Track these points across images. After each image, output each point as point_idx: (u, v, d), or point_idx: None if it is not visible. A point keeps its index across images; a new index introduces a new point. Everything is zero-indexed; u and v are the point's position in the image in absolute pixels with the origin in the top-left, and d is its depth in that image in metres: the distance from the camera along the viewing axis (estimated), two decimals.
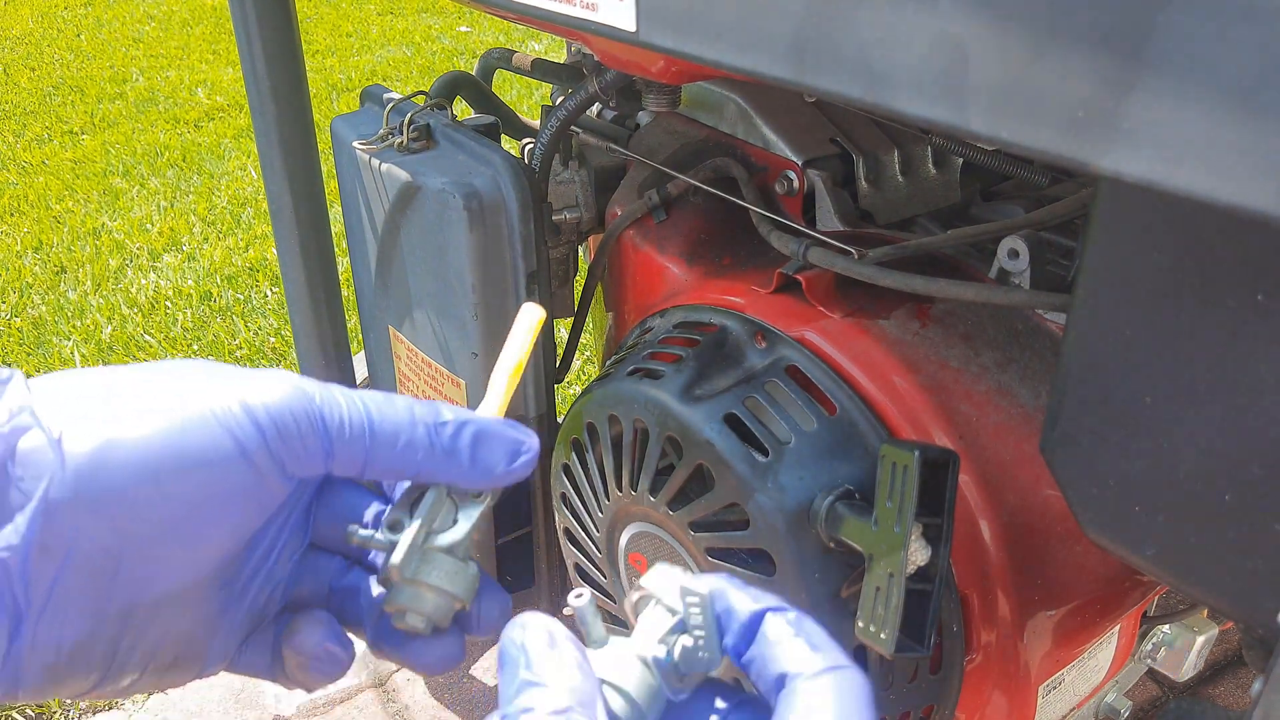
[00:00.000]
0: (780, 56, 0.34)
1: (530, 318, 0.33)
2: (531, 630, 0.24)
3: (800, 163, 0.67)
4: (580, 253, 0.92)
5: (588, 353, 1.60)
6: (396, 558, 0.28)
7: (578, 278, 0.84)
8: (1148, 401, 0.37)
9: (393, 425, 0.28)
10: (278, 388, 0.27)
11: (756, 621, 0.25)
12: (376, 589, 0.31)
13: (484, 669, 1.07)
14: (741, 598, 0.25)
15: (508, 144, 0.79)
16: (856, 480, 0.51)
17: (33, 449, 0.23)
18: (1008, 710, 0.55)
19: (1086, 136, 0.27)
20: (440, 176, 0.68)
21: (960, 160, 0.71)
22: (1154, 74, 0.25)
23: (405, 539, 0.28)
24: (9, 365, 1.66)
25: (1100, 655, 0.59)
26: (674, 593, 0.26)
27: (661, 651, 0.25)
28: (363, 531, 0.30)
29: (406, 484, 0.30)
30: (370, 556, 0.32)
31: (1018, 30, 0.28)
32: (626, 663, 0.25)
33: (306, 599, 0.31)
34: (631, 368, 0.60)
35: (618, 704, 0.25)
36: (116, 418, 0.25)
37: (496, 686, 1.19)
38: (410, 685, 1.05)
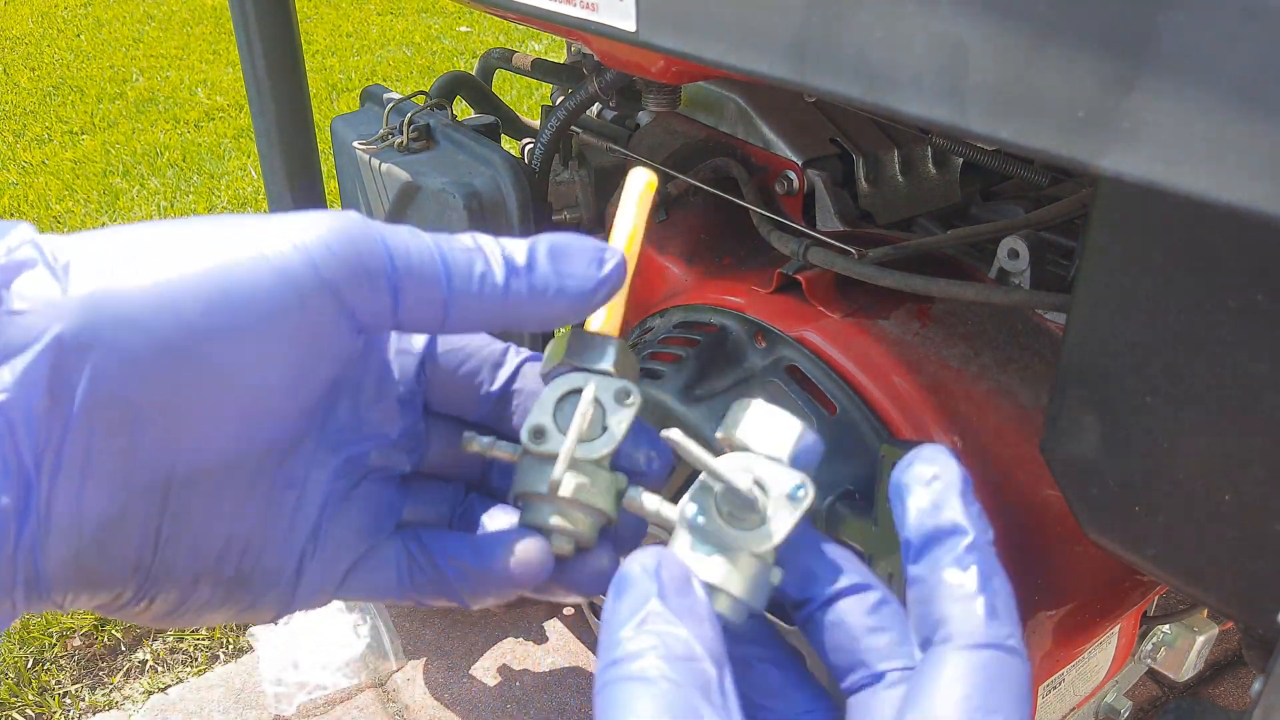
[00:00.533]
0: (780, 56, 0.34)
1: (639, 182, 0.27)
2: (668, 565, 0.22)
3: (800, 163, 0.67)
4: None
5: None
6: (555, 475, 0.24)
7: None
8: (1148, 402, 0.37)
9: (463, 256, 0.23)
10: (331, 220, 0.22)
11: (940, 537, 0.22)
12: (501, 519, 0.27)
13: (484, 669, 1.07)
14: (954, 503, 0.21)
15: (508, 144, 0.79)
16: (856, 480, 0.51)
17: (35, 280, 0.19)
18: None
19: (1087, 136, 0.27)
20: (440, 176, 0.68)
21: (960, 160, 0.71)
22: (1154, 74, 0.25)
23: (563, 452, 0.24)
24: None
25: (1100, 655, 0.59)
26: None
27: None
28: (484, 439, 0.26)
29: (530, 390, 0.26)
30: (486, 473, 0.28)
31: (1018, 30, 0.28)
32: (738, 559, 0.23)
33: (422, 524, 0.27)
34: None
35: (724, 605, 0.23)
36: (138, 246, 0.21)
37: (496, 688, 1.18)
38: (410, 685, 1.05)
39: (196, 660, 1.10)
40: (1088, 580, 0.55)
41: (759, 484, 0.23)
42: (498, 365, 0.27)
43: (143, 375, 0.20)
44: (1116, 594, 0.56)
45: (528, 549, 0.25)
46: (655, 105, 0.68)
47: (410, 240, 0.23)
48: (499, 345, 0.27)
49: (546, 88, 2.53)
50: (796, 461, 0.24)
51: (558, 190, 0.77)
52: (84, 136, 2.65)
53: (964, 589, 0.21)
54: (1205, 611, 0.64)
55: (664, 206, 0.72)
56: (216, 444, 0.21)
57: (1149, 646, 0.64)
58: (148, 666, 1.10)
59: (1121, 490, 0.39)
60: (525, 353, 0.28)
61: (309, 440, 0.24)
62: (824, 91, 0.33)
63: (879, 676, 0.22)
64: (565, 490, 0.25)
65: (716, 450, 0.25)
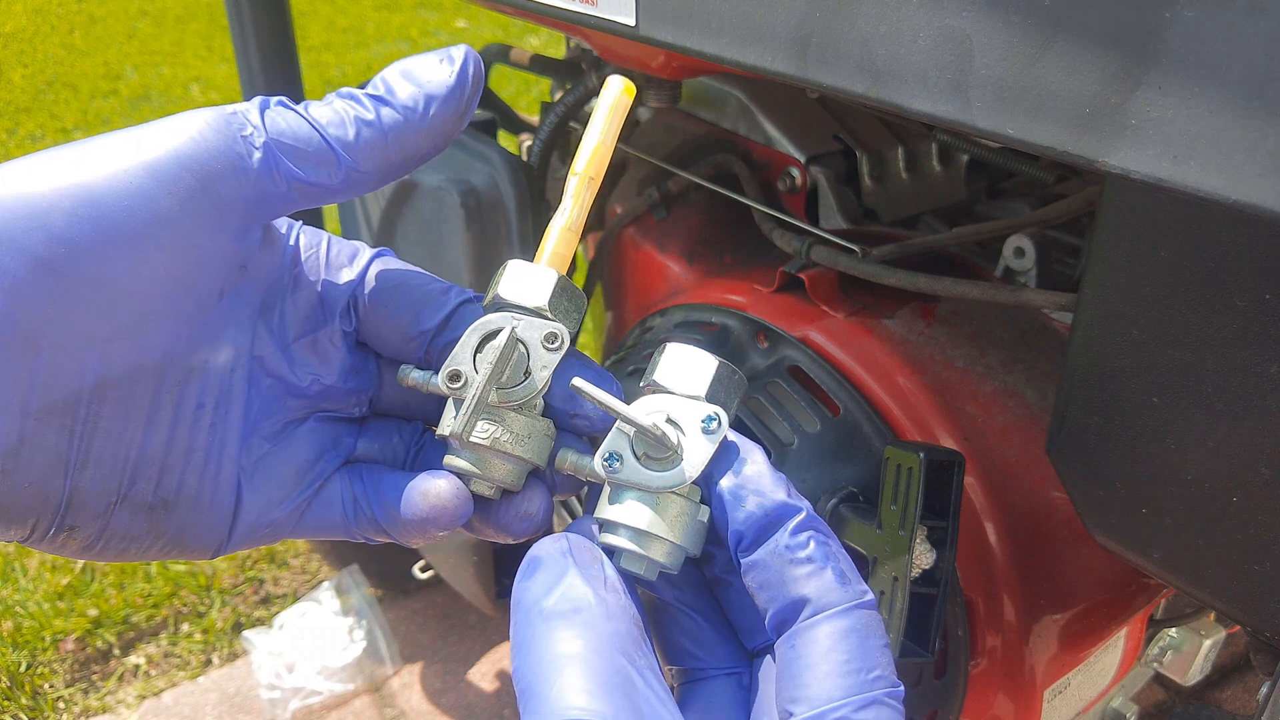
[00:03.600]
0: (783, 51, 0.34)
1: (614, 89, 0.27)
2: (576, 544, 0.22)
3: (803, 159, 0.66)
4: (579, 251, 0.91)
5: (587, 352, 1.59)
6: (457, 425, 0.24)
7: (577, 276, 0.83)
8: (1155, 402, 0.37)
9: (329, 110, 0.24)
10: (204, 115, 0.22)
11: (779, 518, 0.23)
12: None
13: (480, 674, 1.06)
14: (767, 478, 0.23)
15: (505, 140, 0.78)
16: (860, 482, 0.50)
17: None
18: (1013, 715, 0.54)
19: (1093, 133, 0.27)
20: (437, 173, 0.67)
21: (965, 157, 0.71)
22: (1161, 71, 0.25)
23: (468, 399, 0.24)
24: None
25: (1106, 659, 0.59)
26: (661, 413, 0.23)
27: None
28: (417, 373, 0.26)
29: (465, 328, 0.26)
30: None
31: (1024, 25, 0.27)
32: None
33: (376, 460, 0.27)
34: (631, 368, 0.60)
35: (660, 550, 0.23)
36: (13, 169, 0.20)
37: (493, 693, 1.18)
38: (406, 691, 1.05)
39: (190, 664, 1.09)
40: (1094, 583, 0.54)
41: (672, 422, 0.23)
42: (434, 304, 0.27)
43: (21, 294, 0.19)
44: (1123, 597, 0.56)
45: (440, 492, 0.25)
46: (655, 101, 0.67)
47: (279, 114, 0.23)
48: (438, 285, 0.27)
49: (545, 83, 2.52)
50: (714, 397, 0.24)
51: (556, 187, 0.76)
52: (77, 134, 2.63)
53: (813, 563, 0.22)
54: (1212, 615, 0.63)
55: (665, 204, 0.71)
56: (108, 358, 0.21)
57: (1155, 650, 0.64)
58: (141, 670, 1.09)
59: (1128, 492, 0.39)
60: (467, 293, 0.27)
61: (217, 361, 0.24)
62: (827, 87, 0.33)
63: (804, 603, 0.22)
64: (478, 436, 0.24)
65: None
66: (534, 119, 0.89)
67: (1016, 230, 0.55)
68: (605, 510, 0.24)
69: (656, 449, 0.23)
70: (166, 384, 0.23)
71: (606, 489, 0.24)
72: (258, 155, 0.22)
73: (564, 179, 0.77)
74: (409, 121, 0.24)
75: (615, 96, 0.27)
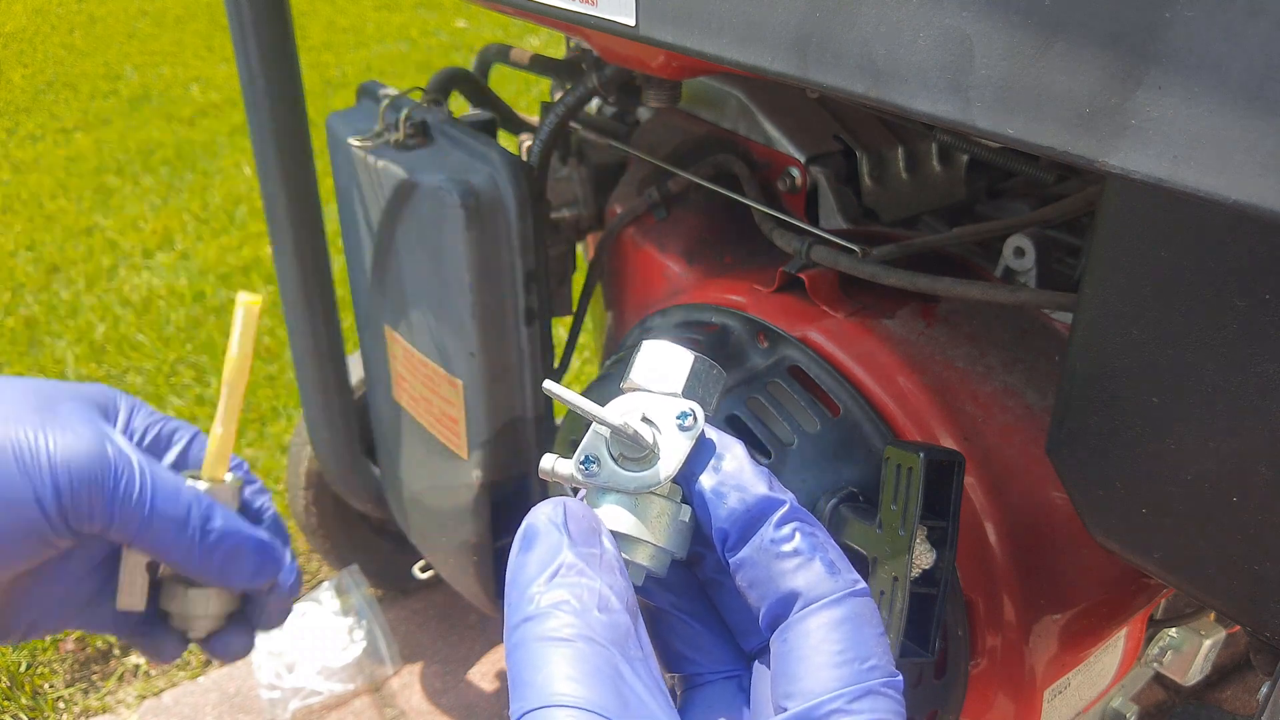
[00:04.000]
0: (783, 51, 0.34)
1: (245, 312, 0.37)
2: (574, 514, 0.22)
3: (803, 159, 0.66)
4: (579, 251, 0.91)
5: (587, 352, 1.59)
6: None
7: (577, 276, 0.83)
8: (1155, 402, 0.37)
9: (168, 518, 0.33)
10: (86, 446, 0.31)
11: (762, 513, 0.22)
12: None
13: (480, 674, 1.06)
14: (748, 473, 0.22)
15: (505, 140, 0.78)
16: (860, 482, 0.50)
17: None
18: (1013, 715, 0.54)
19: (1094, 133, 0.27)
20: (437, 173, 0.67)
21: (965, 157, 0.71)
22: (1162, 70, 0.25)
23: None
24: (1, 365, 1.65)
25: (1106, 659, 0.59)
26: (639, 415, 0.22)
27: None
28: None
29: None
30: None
31: (1024, 25, 0.27)
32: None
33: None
34: None
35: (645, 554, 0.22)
36: None
37: (494, 693, 1.17)
38: (406, 691, 1.05)
39: (190, 664, 1.09)
40: (1094, 583, 0.54)
41: (647, 420, 0.23)
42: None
43: None
44: (1123, 597, 0.56)
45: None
46: (655, 101, 0.67)
47: (136, 483, 0.32)
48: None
49: (545, 83, 2.52)
50: (691, 393, 0.23)
51: (556, 187, 0.76)
52: (77, 133, 2.63)
53: (800, 555, 0.21)
54: (1212, 615, 0.63)
55: (665, 205, 0.71)
56: None
57: (1155, 650, 0.64)
58: (141, 671, 1.09)
59: (1128, 492, 0.39)
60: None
61: (30, 577, 0.34)
62: (827, 87, 0.33)
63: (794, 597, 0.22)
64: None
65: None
66: (534, 119, 0.89)
67: (1016, 230, 0.55)
68: None
69: (632, 449, 0.22)
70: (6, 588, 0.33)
71: (585, 493, 0.24)
72: (108, 510, 0.33)
73: (564, 179, 0.77)
74: (200, 565, 0.35)
75: (246, 316, 0.37)
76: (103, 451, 0.31)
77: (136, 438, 0.35)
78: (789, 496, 0.23)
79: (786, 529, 0.22)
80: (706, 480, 0.23)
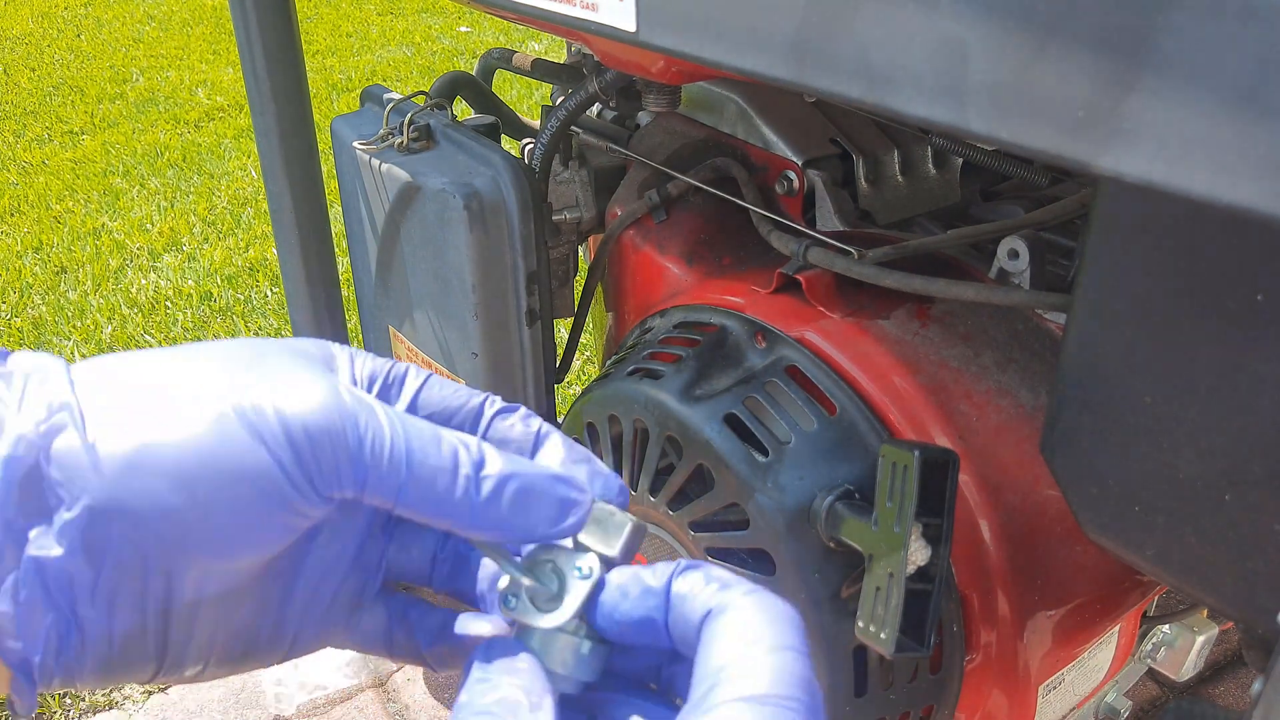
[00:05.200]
0: (780, 57, 0.34)
1: None
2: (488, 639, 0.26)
3: (800, 163, 0.67)
4: (580, 253, 0.92)
5: (588, 353, 1.60)
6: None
7: (578, 278, 0.84)
8: (1148, 402, 0.37)
9: (431, 469, 0.26)
10: (318, 398, 0.25)
11: (666, 592, 0.25)
12: (487, 568, 0.31)
13: None
14: (647, 582, 0.25)
15: (508, 144, 0.79)
16: (856, 480, 0.51)
17: (68, 451, 0.24)
18: (1007, 710, 0.55)
19: (1086, 136, 0.27)
20: (440, 177, 0.68)
21: (960, 160, 0.71)
22: (1154, 74, 0.25)
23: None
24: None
25: (1100, 655, 0.59)
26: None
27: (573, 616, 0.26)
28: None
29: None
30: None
31: (1018, 30, 0.27)
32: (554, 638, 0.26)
33: (409, 573, 0.31)
34: (631, 368, 0.60)
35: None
36: (152, 421, 0.25)
37: None
38: (410, 685, 1.05)
39: None
40: (1088, 580, 0.55)
41: (555, 570, 0.27)
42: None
43: (155, 536, 0.24)
44: (1116, 594, 0.56)
45: (483, 632, 0.29)
46: (655, 105, 0.68)
47: (385, 434, 0.26)
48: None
49: (546, 88, 2.53)
50: (626, 550, 0.27)
51: (558, 190, 0.77)
52: (84, 136, 2.65)
53: (696, 588, 0.24)
54: (1205, 611, 0.64)
55: (664, 207, 0.72)
56: (208, 586, 0.26)
57: (1149, 646, 0.64)
58: None
59: (1121, 490, 0.39)
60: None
61: (299, 572, 0.29)
62: (824, 91, 0.33)
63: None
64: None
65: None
66: (536, 123, 0.90)
67: (1011, 232, 0.56)
68: None
69: (543, 597, 0.26)
70: (252, 589, 0.27)
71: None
72: (349, 477, 0.26)
73: (565, 182, 0.77)
74: (480, 521, 0.26)
75: None
76: (338, 401, 0.25)
77: (364, 386, 0.29)
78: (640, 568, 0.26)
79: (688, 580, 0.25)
80: (610, 615, 0.26)
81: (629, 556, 0.27)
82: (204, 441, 0.24)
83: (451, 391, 0.29)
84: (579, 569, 0.26)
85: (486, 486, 0.26)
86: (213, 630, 0.27)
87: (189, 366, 0.26)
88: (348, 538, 0.29)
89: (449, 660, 0.30)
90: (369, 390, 0.28)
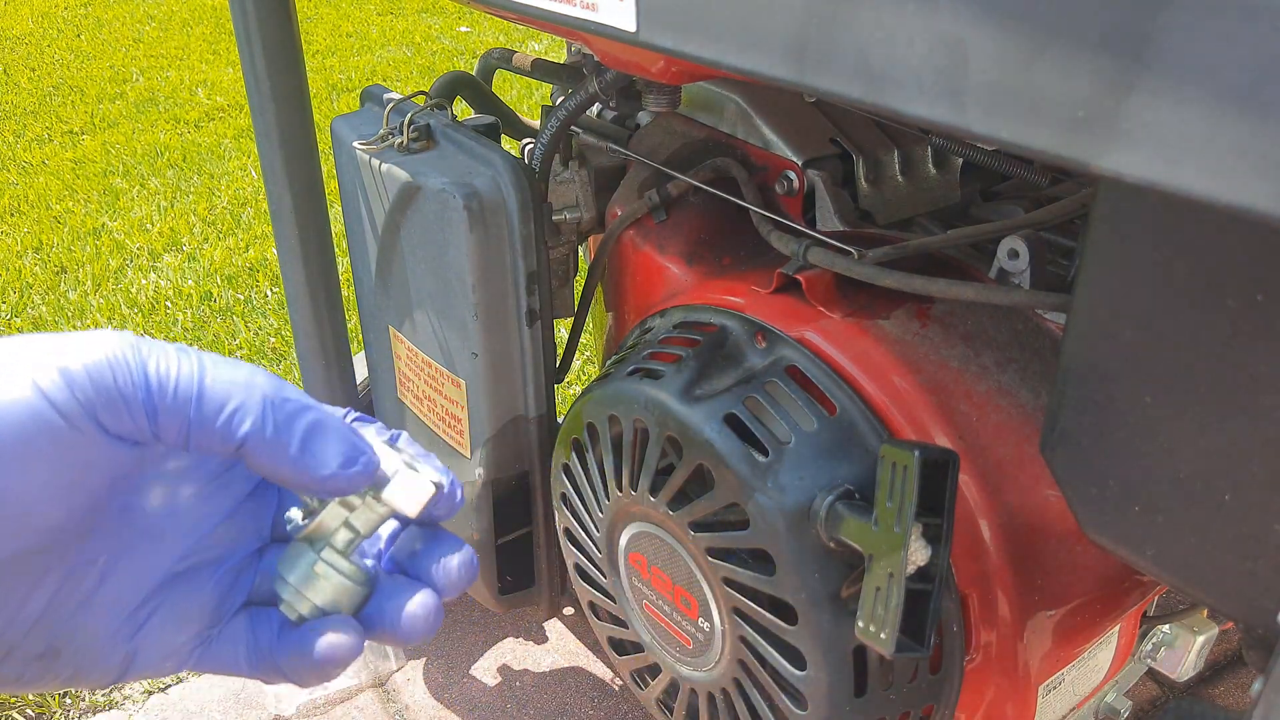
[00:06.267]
0: (780, 57, 0.34)
1: None
2: None
3: (800, 163, 0.67)
4: (580, 253, 0.92)
5: (588, 353, 1.60)
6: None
7: (578, 278, 0.84)
8: (1148, 402, 0.37)
9: (223, 391, 0.24)
10: (102, 345, 0.24)
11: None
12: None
13: (484, 668, 1.07)
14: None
15: (508, 144, 0.79)
16: (856, 480, 0.51)
17: None
18: (1008, 710, 0.55)
19: (1086, 136, 0.27)
20: (440, 177, 0.68)
21: (960, 160, 0.71)
22: (1154, 74, 0.25)
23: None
24: None
25: (1100, 655, 0.59)
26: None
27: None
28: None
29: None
30: None
31: (1018, 30, 0.27)
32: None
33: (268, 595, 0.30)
34: (631, 368, 0.60)
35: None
36: None
37: (496, 688, 1.18)
38: (410, 685, 1.05)
39: None
40: (1088, 580, 0.55)
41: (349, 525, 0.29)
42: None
43: None
44: (1116, 594, 0.56)
45: (342, 642, 0.28)
46: (655, 105, 0.68)
47: (174, 368, 0.24)
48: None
49: (546, 88, 2.53)
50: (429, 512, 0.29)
51: (558, 190, 0.77)
52: (84, 136, 2.65)
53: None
54: (1205, 611, 0.64)
55: (664, 207, 0.72)
56: None
57: (1149, 646, 0.64)
58: None
59: (1121, 490, 0.39)
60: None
61: (100, 532, 0.26)
62: (824, 91, 0.33)
63: None
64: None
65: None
66: (536, 123, 0.90)
67: (1010, 232, 0.56)
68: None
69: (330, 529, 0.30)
70: (51, 562, 0.25)
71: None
72: (137, 409, 0.24)
73: (565, 182, 0.77)
74: (269, 449, 0.26)
75: None
76: (129, 341, 0.24)
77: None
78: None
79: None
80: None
81: (421, 512, 0.28)
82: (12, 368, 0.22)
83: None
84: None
85: (281, 413, 0.25)
86: (6, 612, 0.24)
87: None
88: (192, 512, 0.27)
89: (312, 676, 0.28)
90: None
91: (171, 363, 0.24)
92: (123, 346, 0.24)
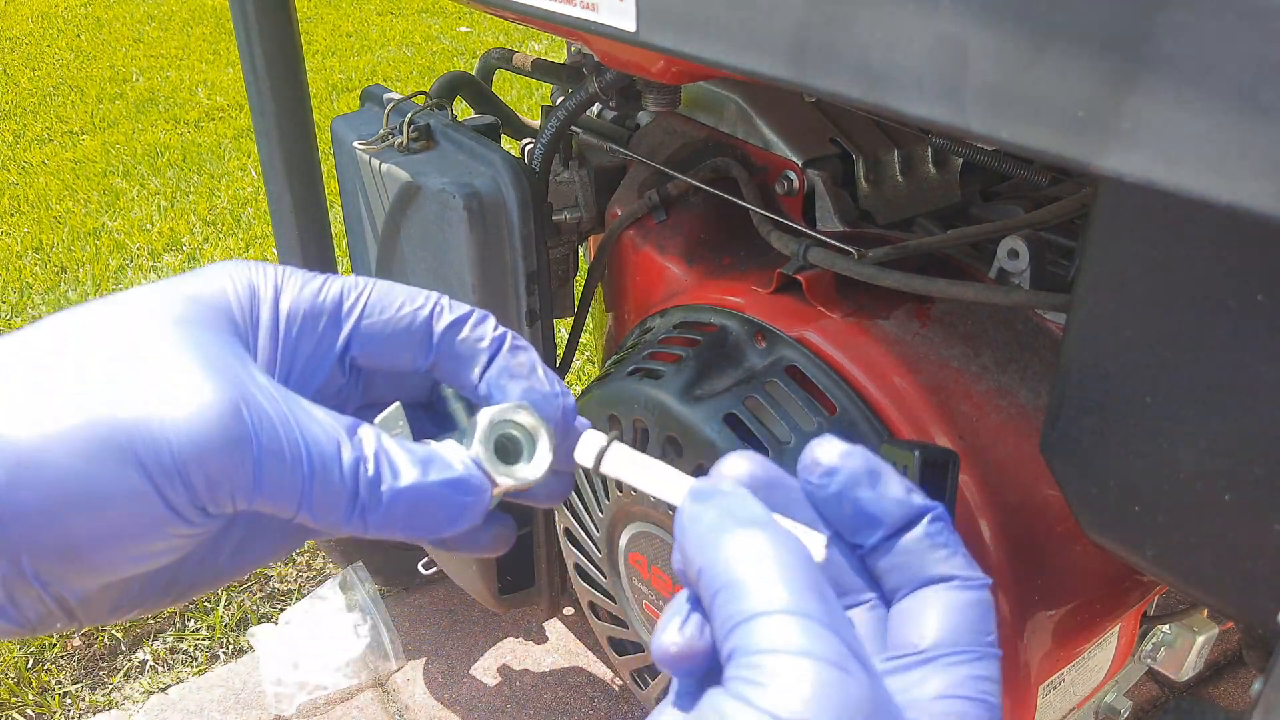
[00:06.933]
0: (780, 57, 0.34)
1: None
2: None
3: (800, 163, 0.67)
4: (580, 253, 0.92)
5: (588, 353, 1.60)
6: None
7: (578, 278, 0.84)
8: (1147, 402, 0.37)
9: (326, 491, 0.25)
10: (206, 417, 0.23)
11: (913, 518, 0.25)
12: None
13: (484, 669, 1.07)
14: (895, 486, 0.25)
15: (508, 144, 0.79)
16: None
17: None
18: (1008, 710, 0.55)
19: (1086, 136, 0.27)
20: (440, 176, 0.68)
21: (960, 160, 0.71)
22: (1154, 74, 0.25)
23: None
24: None
25: (1100, 655, 0.59)
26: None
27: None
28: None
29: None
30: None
31: (1018, 30, 0.28)
32: None
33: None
34: (631, 368, 0.60)
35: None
36: (37, 401, 0.23)
37: (496, 688, 1.18)
38: (410, 685, 1.05)
39: (197, 660, 1.10)
40: (1088, 580, 0.55)
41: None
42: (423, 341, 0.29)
43: (30, 550, 0.23)
44: (1116, 594, 0.56)
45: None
46: (655, 105, 0.68)
47: (284, 456, 0.24)
48: (420, 317, 0.29)
49: (546, 88, 2.53)
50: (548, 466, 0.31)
51: (558, 190, 0.77)
52: (84, 136, 2.65)
53: (947, 551, 0.24)
54: (1205, 611, 0.64)
55: (664, 207, 0.72)
56: (90, 583, 0.25)
57: (1149, 646, 0.64)
58: (148, 666, 1.10)
59: (1121, 490, 0.39)
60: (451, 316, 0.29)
61: (193, 566, 0.28)
62: (824, 92, 0.33)
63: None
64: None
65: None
66: (536, 123, 0.90)
67: (1010, 232, 0.56)
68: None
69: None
70: (152, 587, 0.27)
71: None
72: (241, 499, 0.25)
73: (565, 182, 0.77)
74: (367, 528, 0.26)
75: None
76: (225, 426, 0.23)
77: (295, 327, 0.27)
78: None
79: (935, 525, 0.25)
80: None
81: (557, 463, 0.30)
82: (74, 461, 0.22)
83: (395, 309, 0.28)
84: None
85: (381, 499, 0.26)
86: (118, 598, 0.26)
87: (66, 361, 0.23)
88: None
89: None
90: (294, 333, 0.27)
91: (279, 441, 0.25)
92: (221, 427, 0.24)
